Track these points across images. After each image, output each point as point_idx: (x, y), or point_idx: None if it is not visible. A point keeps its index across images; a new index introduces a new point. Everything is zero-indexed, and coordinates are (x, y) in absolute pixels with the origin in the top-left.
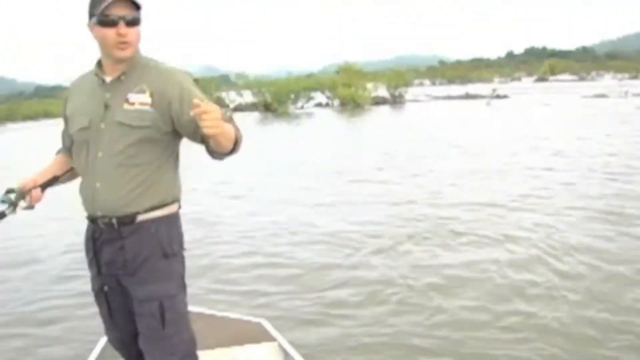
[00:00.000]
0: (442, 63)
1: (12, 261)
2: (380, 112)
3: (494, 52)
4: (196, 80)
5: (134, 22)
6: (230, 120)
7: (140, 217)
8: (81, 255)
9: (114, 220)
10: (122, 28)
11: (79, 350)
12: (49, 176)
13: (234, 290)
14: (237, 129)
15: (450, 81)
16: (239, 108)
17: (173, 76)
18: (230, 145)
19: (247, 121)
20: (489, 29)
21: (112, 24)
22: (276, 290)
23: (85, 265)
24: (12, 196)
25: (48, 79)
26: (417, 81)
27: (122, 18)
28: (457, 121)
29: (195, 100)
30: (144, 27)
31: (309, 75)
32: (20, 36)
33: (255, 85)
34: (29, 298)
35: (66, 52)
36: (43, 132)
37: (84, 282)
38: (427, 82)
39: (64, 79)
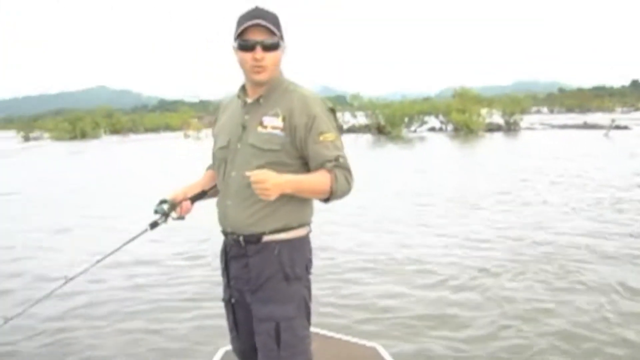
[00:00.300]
0: (561, 90)
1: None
2: (493, 139)
3: (618, 80)
4: (332, 110)
5: (271, 47)
6: (331, 170)
7: (265, 238)
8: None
9: (241, 238)
10: (259, 52)
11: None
12: (198, 190)
13: (350, 314)
14: (334, 180)
15: (569, 109)
16: (352, 129)
17: (305, 103)
18: (318, 197)
19: (359, 143)
20: (613, 56)
21: (249, 48)
22: (392, 316)
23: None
24: (165, 207)
25: (171, 94)
26: (534, 108)
27: (259, 43)
28: (570, 151)
29: (247, 173)
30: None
31: (426, 99)
32: (146, 53)
33: (370, 107)
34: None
35: (189, 69)
36: (160, 143)
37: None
38: (544, 109)
39: (185, 95)
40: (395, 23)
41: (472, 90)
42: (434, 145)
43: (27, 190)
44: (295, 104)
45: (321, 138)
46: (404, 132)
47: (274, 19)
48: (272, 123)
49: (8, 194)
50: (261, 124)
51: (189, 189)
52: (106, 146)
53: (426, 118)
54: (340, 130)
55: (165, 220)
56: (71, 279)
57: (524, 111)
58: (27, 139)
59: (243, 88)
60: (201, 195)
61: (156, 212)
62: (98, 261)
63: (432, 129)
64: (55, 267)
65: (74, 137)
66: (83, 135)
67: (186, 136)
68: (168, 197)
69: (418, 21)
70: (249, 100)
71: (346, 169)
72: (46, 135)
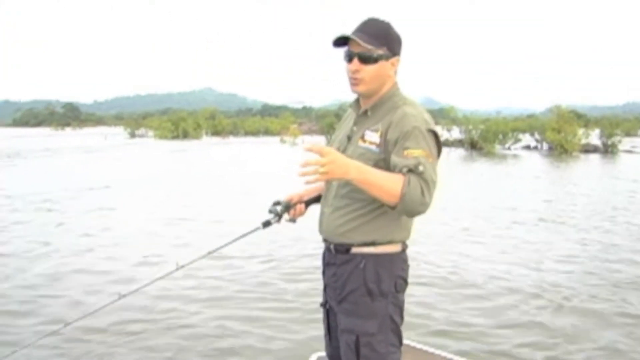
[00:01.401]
0: None
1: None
2: (587, 160)
3: None
4: (432, 131)
5: (368, 60)
6: (405, 174)
7: (354, 250)
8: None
9: (332, 246)
10: (354, 64)
11: None
12: (314, 194)
13: (447, 329)
14: (406, 184)
15: None
16: (445, 144)
17: (403, 120)
18: (386, 198)
19: (450, 157)
20: None
21: (347, 59)
22: (495, 333)
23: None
24: (279, 208)
25: (275, 99)
26: None
27: (355, 55)
28: None
29: (306, 147)
30: None
31: (530, 116)
32: (252, 58)
33: (464, 122)
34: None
35: (293, 76)
36: (256, 147)
37: None
38: None
39: (289, 100)
40: (509, 27)
41: (573, 109)
42: (522, 163)
43: (116, 184)
44: (394, 120)
45: (405, 152)
46: (497, 148)
47: (377, 31)
48: (371, 138)
49: (99, 187)
50: (362, 137)
51: (306, 192)
52: (204, 147)
53: (522, 136)
54: (439, 153)
55: (279, 221)
56: (182, 266)
57: (629, 133)
58: (132, 135)
59: (357, 99)
60: (316, 199)
61: (270, 212)
62: (209, 252)
63: (527, 147)
64: (167, 255)
65: (176, 137)
66: (185, 135)
67: (282, 141)
68: (283, 198)
69: (533, 26)
70: (359, 112)
71: (424, 179)
72: (150, 133)
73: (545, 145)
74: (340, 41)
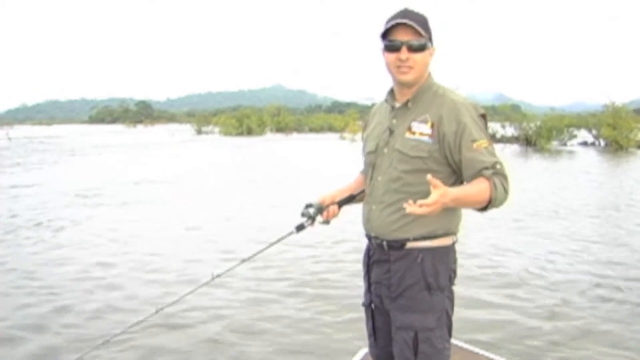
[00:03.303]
0: None
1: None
2: None
3: None
4: (483, 116)
5: (418, 49)
6: (489, 178)
7: (409, 245)
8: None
9: (384, 243)
10: (404, 53)
11: None
12: (346, 194)
13: (492, 334)
14: (493, 189)
15: None
16: (500, 140)
17: (455, 109)
18: (477, 207)
19: (505, 153)
20: None
21: (395, 49)
22: (541, 336)
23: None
24: (311, 210)
25: (345, 96)
26: None
27: (405, 43)
28: None
29: (429, 177)
30: (439, 54)
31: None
32: (321, 55)
33: (518, 119)
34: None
35: (361, 73)
36: (316, 144)
37: None
38: None
39: (359, 97)
40: (587, 22)
41: (625, 107)
42: (575, 159)
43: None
44: (445, 111)
45: (475, 145)
46: (553, 145)
47: (421, 20)
48: (421, 129)
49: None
50: (409, 129)
51: (338, 192)
52: (264, 143)
53: (579, 132)
54: (493, 137)
55: (312, 224)
56: (218, 275)
57: None
58: (199, 132)
59: (391, 92)
60: (349, 199)
61: (303, 215)
62: (243, 260)
63: (585, 143)
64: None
65: (240, 133)
66: (249, 132)
67: (342, 138)
68: (315, 200)
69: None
70: (397, 105)
71: (503, 175)
72: (216, 130)
73: (602, 142)
74: (384, 33)
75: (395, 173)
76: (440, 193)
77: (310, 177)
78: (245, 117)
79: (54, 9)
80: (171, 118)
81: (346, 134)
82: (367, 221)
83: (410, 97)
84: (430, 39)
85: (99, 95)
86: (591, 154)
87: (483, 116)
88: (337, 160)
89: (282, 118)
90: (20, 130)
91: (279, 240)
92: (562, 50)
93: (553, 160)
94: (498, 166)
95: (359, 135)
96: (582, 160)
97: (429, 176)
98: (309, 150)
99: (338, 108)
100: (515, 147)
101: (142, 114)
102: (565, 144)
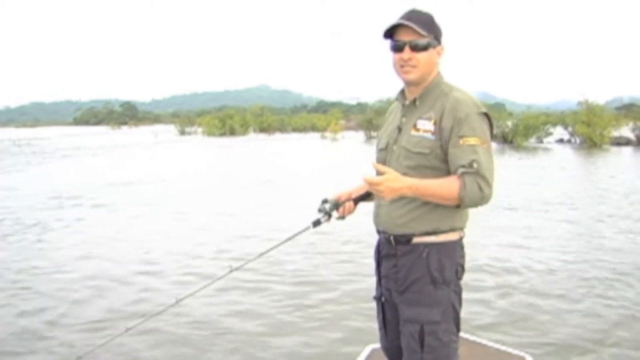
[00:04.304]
0: None
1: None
2: (618, 154)
3: None
4: (484, 114)
5: (421, 48)
6: (460, 177)
7: (415, 240)
8: None
9: (391, 238)
10: (406, 53)
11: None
12: (362, 191)
13: (503, 321)
14: (462, 187)
15: None
16: None
17: (455, 106)
18: (446, 203)
19: None
20: None
21: (398, 49)
22: (554, 329)
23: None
24: (327, 206)
25: (330, 95)
26: None
27: (407, 43)
28: None
29: (364, 177)
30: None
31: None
32: (306, 55)
33: (494, 117)
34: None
35: (347, 72)
36: (296, 143)
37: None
38: None
39: (344, 96)
40: (570, 21)
41: (599, 104)
42: (549, 156)
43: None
44: (447, 107)
45: (460, 142)
46: (530, 142)
47: (424, 20)
48: (425, 126)
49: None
50: (415, 126)
51: (354, 189)
52: (245, 144)
53: (555, 129)
54: (492, 134)
55: (328, 220)
56: (236, 268)
57: None
58: (182, 133)
59: (402, 91)
60: (365, 196)
61: (319, 210)
62: (261, 254)
63: (561, 141)
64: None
65: (223, 134)
66: (232, 132)
67: (323, 137)
68: (331, 196)
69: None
70: (406, 103)
71: (480, 175)
72: (199, 130)
73: (577, 139)
74: (388, 33)
75: (401, 169)
76: (386, 177)
77: (289, 176)
78: (228, 118)
79: (38, 11)
80: (156, 119)
81: (327, 133)
82: (376, 216)
83: (418, 95)
84: (436, 38)
85: (84, 97)
86: (567, 151)
87: (484, 114)
88: (315, 159)
89: (265, 118)
90: (3, 133)
91: (295, 236)
92: (547, 48)
93: (530, 157)
94: (475, 165)
95: (340, 135)
96: (556, 157)
97: (372, 162)
98: (290, 149)
99: (323, 108)
100: (493, 145)
101: (126, 115)
102: (542, 141)
